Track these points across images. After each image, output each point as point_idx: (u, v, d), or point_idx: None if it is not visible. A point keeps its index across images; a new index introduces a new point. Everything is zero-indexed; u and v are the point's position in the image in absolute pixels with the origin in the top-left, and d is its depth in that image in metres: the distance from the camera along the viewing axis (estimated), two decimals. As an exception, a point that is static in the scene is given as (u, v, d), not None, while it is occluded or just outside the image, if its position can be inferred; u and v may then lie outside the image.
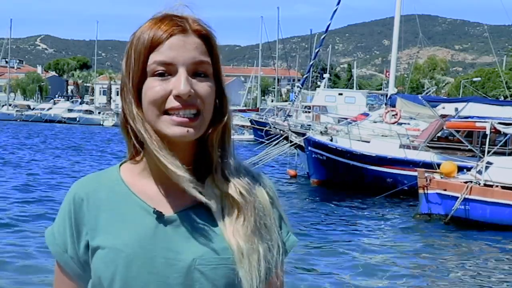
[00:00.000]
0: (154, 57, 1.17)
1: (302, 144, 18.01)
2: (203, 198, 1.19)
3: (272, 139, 18.90)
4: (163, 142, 1.17)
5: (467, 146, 16.06)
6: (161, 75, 1.17)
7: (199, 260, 1.17)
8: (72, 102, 75.07)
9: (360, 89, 58.89)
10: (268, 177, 1.32)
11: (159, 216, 1.20)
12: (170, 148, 1.18)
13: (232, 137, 1.27)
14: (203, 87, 1.18)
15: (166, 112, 1.16)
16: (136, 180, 1.25)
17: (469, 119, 15.59)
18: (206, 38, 1.21)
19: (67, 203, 1.27)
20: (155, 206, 1.21)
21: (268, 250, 1.20)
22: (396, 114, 20.84)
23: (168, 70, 1.17)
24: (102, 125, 64.22)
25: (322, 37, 24.43)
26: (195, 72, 1.18)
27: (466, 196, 12.15)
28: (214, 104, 1.21)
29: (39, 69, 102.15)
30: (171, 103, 1.16)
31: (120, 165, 1.30)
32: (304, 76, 28.78)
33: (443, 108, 18.21)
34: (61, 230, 1.26)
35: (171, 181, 1.20)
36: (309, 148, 17.52)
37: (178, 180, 1.17)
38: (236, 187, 1.21)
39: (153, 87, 1.17)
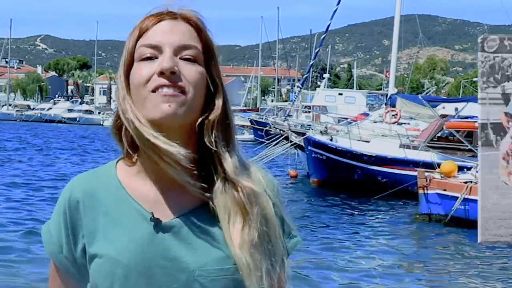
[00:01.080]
0: (141, 41, 1.17)
1: (302, 144, 18.02)
2: (198, 191, 1.15)
3: (272, 139, 18.91)
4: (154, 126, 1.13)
5: (467, 146, 16.07)
6: (148, 59, 1.15)
7: (199, 271, 1.14)
8: (72, 102, 75.09)
9: (360, 89, 58.92)
10: (272, 175, 1.29)
11: (157, 224, 1.16)
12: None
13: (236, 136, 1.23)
14: (190, 69, 1.15)
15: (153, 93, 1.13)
16: (132, 181, 1.21)
17: (469, 119, 15.59)
18: (197, 27, 1.19)
19: (62, 202, 1.23)
20: (153, 210, 1.17)
21: (271, 266, 1.16)
22: (396, 114, 20.85)
23: (155, 54, 1.15)
24: (102, 125, 64.22)
25: (322, 37, 24.47)
26: (182, 56, 1.15)
27: (466, 196, 12.15)
28: (206, 94, 1.18)
29: (39, 69, 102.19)
30: (156, 81, 1.13)
31: (117, 161, 1.26)
32: (304, 76, 28.83)
33: (443, 108, 18.23)
34: (57, 229, 1.23)
35: (169, 182, 1.17)
36: (309, 148, 17.53)
37: (173, 158, 1.11)
38: (240, 189, 1.17)
39: (139, 70, 1.15)
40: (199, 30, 1.19)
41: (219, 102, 1.19)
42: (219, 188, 1.17)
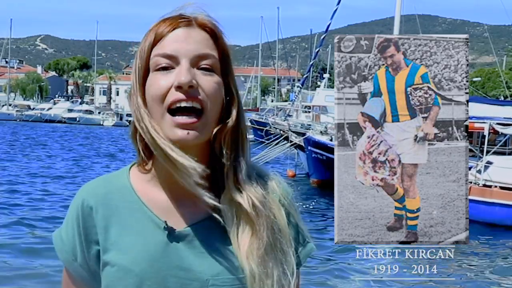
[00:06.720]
0: (156, 51, 1.13)
1: (302, 144, 18.03)
2: (210, 200, 1.13)
3: (272, 139, 18.92)
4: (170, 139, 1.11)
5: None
6: (164, 69, 1.12)
7: (212, 280, 1.13)
8: (72, 102, 75.10)
9: (360, 89, 58.78)
10: (284, 181, 1.26)
11: (170, 232, 1.14)
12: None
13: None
14: (207, 80, 1.12)
15: (170, 112, 1.10)
16: (146, 189, 1.19)
17: (469, 119, 15.61)
18: (213, 34, 1.16)
19: (74, 209, 1.20)
20: (166, 219, 1.15)
21: (282, 273, 1.15)
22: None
23: (171, 64, 1.12)
24: (102, 125, 64.22)
25: (322, 37, 24.46)
26: (199, 66, 1.12)
27: (466, 196, 12.16)
28: (222, 104, 1.15)
29: (39, 69, 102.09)
30: (173, 95, 1.10)
31: (130, 167, 1.24)
32: (304, 76, 28.84)
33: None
34: (69, 237, 1.20)
35: (182, 191, 1.15)
36: (309, 148, 17.54)
37: (187, 175, 1.10)
38: (248, 198, 1.15)
39: (155, 81, 1.12)
40: (215, 36, 1.16)
41: (234, 113, 1.16)
42: (228, 198, 1.15)
